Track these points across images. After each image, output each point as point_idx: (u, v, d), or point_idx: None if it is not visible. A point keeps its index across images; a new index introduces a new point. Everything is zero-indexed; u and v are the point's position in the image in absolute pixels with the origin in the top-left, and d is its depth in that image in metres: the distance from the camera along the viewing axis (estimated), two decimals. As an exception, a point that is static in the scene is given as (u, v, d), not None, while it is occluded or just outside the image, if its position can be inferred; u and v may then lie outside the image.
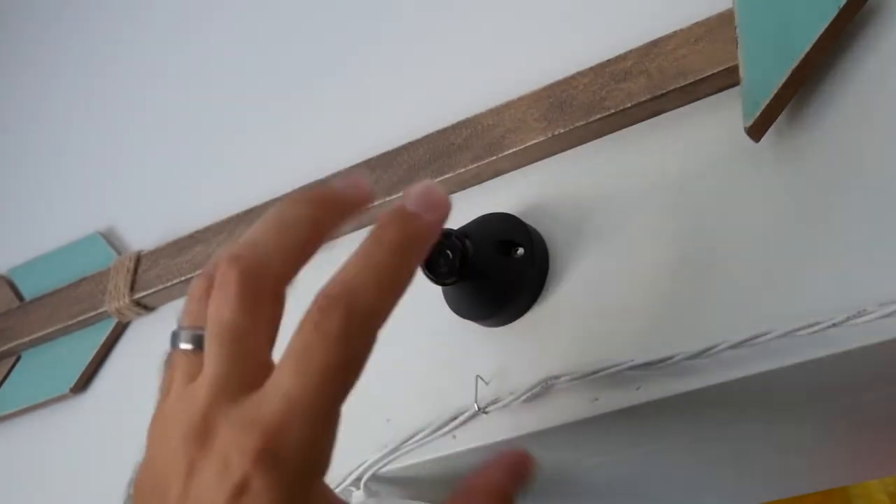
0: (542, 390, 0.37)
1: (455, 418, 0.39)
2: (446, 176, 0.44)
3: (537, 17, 0.47)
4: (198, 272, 0.51)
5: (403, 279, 0.27)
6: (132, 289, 0.54)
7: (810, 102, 0.36)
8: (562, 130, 0.41)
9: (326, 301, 0.26)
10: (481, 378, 0.39)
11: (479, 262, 0.38)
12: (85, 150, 0.68)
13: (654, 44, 0.40)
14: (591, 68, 0.41)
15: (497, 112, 0.43)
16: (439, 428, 0.39)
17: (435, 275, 0.38)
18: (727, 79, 0.38)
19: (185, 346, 0.30)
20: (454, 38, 0.50)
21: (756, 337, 0.33)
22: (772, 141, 0.36)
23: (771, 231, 0.35)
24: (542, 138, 0.41)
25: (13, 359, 0.59)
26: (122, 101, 0.68)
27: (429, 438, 0.39)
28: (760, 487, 0.48)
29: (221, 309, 0.27)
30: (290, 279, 0.28)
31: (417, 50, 0.51)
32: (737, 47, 0.37)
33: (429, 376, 0.41)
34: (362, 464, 0.40)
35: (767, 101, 0.35)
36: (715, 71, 0.38)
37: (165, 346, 0.57)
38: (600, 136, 0.41)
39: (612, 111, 0.40)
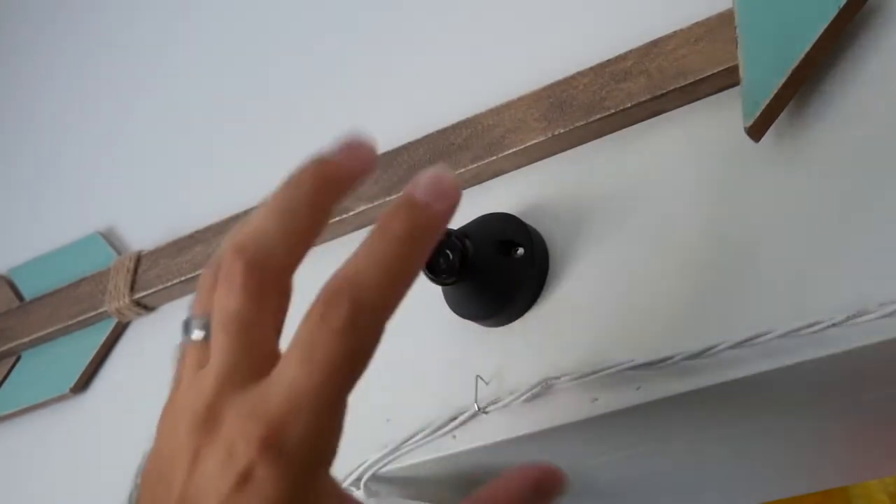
0: (542, 390, 0.37)
1: (455, 418, 0.39)
2: (446, 176, 0.44)
3: (538, 17, 0.47)
4: (198, 272, 0.51)
5: (410, 272, 0.27)
6: (132, 289, 0.54)
7: (810, 102, 0.36)
8: (562, 130, 0.41)
9: (332, 294, 0.26)
10: (481, 378, 0.39)
11: (479, 262, 0.38)
12: (85, 150, 0.68)
13: (654, 44, 0.40)
14: (591, 68, 0.41)
15: (497, 112, 0.43)
16: (439, 428, 0.39)
17: (435, 275, 0.38)
18: (727, 79, 0.38)
19: (195, 335, 0.29)
20: (454, 38, 0.50)
21: (756, 337, 0.33)
22: (772, 141, 0.36)
23: (771, 231, 0.35)
24: (542, 138, 0.41)
25: (13, 359, 0.59)
26: (122, 101, 0.68)
27: (429, 438, 0.39)
28: (760, 487, 0.48)
29: (227, 300, 0.27)
30: (295, 267, 0.28)
31: (417, 50, 0.51)
32: (737, 47, 0.37)
33: (428, 376, 0.41)
34: (362, 464, 0.40)
35: (767, 101, 0.35)
36: (715, 71, 0.38)
37: (167, 344, 0.57)
38: (600, 136, 0.41)
39: (612, 111, 0.40)
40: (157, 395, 0.53)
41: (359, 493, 0.41)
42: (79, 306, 0.56)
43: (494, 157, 0.42)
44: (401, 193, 0.27)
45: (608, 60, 0.41)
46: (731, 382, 0.33)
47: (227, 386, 0.26)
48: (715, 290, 0.35)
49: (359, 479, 0.40)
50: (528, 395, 0.37)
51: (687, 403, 0.35)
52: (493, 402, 0.38)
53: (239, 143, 0.58)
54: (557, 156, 0.42)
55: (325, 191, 0.28)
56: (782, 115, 0.36)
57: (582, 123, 0.40)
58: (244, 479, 0.25)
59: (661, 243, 0.37)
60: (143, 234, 0.58)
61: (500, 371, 0.39)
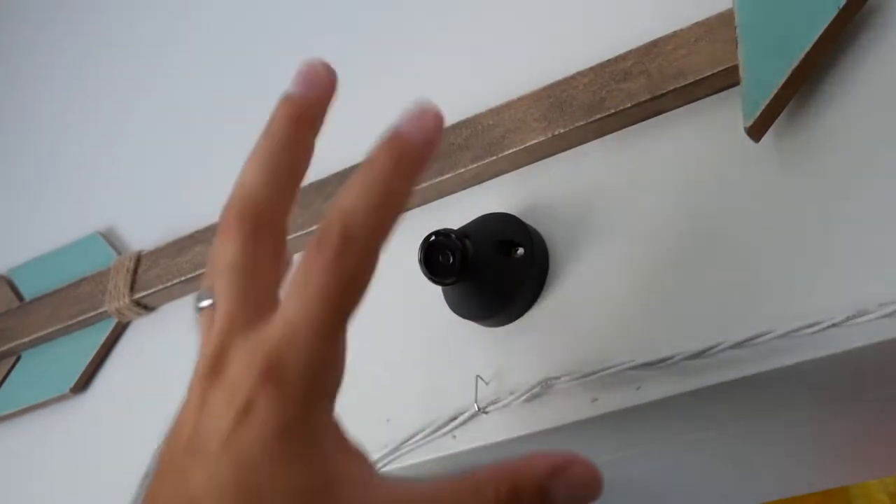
0: (542, 390, 0.37)
1: (455, 418, 0.39)
2: (446, 176, 0.44)
3: (537, 17, 0.47)
4: (198, 272, 0.51)
5: (397, 200, 0.27)
6: (132, 289, 0.54)
7: (810, 102, 0.36)
8: (562, 130, 0.41)
9: (324, 228, 0.27)
10: (481, 378, 0.39)
11: (479, 262, 0.38)
12: (85, 150, 0.68)
13: (654, 44, 0.40)
14: (591, 68, 0.41)
15: (497, 112, 0.43)
16: (439, 428, 0.39)
17: (435, 275, 0.38)
18: (727, 79, 0.38)
19: (204, 303, 0.31)
20: (454, 38, 0.50)
21: (756, 337, 0.33)
22: (772, 141, 0.36)
23: (771, 231, 0.35)
24: (542, 138, 0.41)
25: (13, 359, 0.59)
26: (122, 101, 0.68)
27: (429, 438, 0.39)
28: (760, 487, 0.48)
29: (223, 250, 0.28)
30: (286, 208, 0.29)
31: (417, 50, 0.51)
32: (737, 47, 0.37)
33: (429, 376, 0.41)
34: (362, 464, 0.40)
35: (767, 101, 0.35)
36: (715, 71, 0.38)
37: (167, 344, 0.57)
38: (600, 136, 0.41)
39: (612, 111, 0.40)
40: (157, 395, 0.53)
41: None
42: (79, 306, 0.56)
43: (494, 157, 0.42)
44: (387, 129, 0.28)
45: (608, 60, 0.41)
46: (731, 382, 0.33)
47: (232, 330, 0.27)
48: (715, 290, 0.35)
49: (359, 479, 0.40)
50: (528, 395, 0.37)
51: (687, 403, 0.35)
52: (493, 402, 0.38)
53: (239, 143, 0.57)
54: (557, 156, 0.42)
55: (298, 127, 0.29)
56: (782, 115, 0.36)
57: (582, 123, 0.40)
58: (245, 411, 0.26)
59: (661, 243, 0.37)
60: (143, 234, 0.58)
61: (500, 371, 0.39)
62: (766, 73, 0.35)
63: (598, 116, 0.40)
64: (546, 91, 0.42)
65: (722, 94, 0.38)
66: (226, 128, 0.59)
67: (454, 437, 0.39)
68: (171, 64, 0.66)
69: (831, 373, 0.33)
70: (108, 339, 0.55)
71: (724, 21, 0.38)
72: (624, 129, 0.41)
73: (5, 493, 0.57)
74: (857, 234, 0.33)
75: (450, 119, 0.45)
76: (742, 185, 0.36)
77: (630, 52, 0.40)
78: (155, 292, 0.53)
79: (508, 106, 0.43)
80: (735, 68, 0.37)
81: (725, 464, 0.43)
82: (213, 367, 0.27)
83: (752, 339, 0.33)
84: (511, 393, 0.38)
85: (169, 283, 0.52)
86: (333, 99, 0.30)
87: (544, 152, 0.42)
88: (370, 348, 0.38)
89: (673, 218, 0.37)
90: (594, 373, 0.36)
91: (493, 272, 0.39)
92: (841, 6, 0.34)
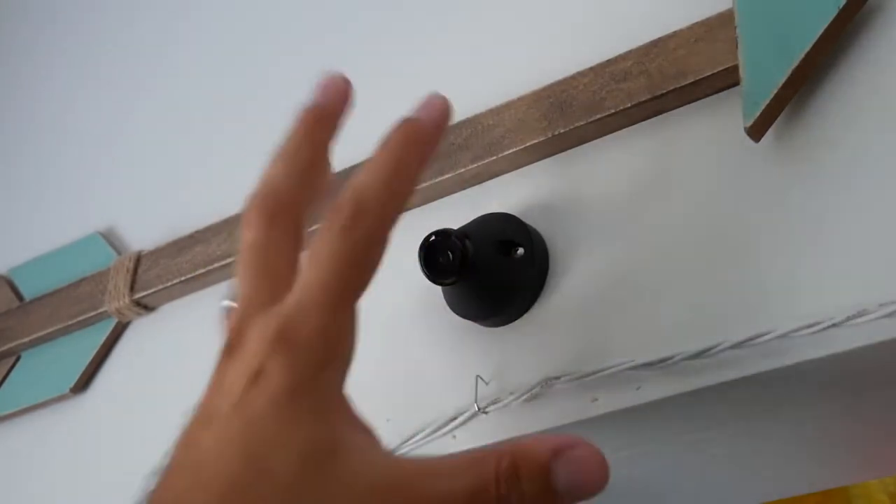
0: (542, 390, 0.37)
1: (455, 418, 0.39)
2: (446, 176, 0.44)
3: (537, 17, 0.47)
4: (198, 271, 0.51)
5: (408, 176, 0.29)
6: (132, 289, 0.54)
7: (810, 102, 0.36)
8: (562, 130, 0.41)
9: (338, 202, 0.28)
10: (481, 378, 0.39)
11: (479, 262, 0.38)
12: (85, 150, 0.68)
13: (654, 44, 0.40)
14: (591, 68, 0.41)
15: (497, 112, 0.43)
16: (439, 428, 0.39)
17: (435, 275, 0.38)
18: (727, 79, 0.38)
19: (228, 302, 0.32)
20: (454, 38, 0.50)
21: (756, 337, 0.33)
22: (772, 141, 0.36)
23: (771, 231, 0.35)
24: (542, 138, 0.41)
25: (13, 359, 0.59)
26: (122, 101, 0.68)
27: (429, 438, 0.39)
28: (760, 487, 0.48)
29: (245, 235, 0.30)
30: (304, 198, 0.31)
31: (417, 50, 0.51)
32: (737, 47, 0.37)
33: (428, 376, 0.41)
34: (362, 464, 0.40)
35: (767, 101, 0.35)
36: (715, 71, 0.38)
37: (167, 344, 0.57)
38: (600, 136, 0.41)
39: (612, 111, 0.40)
40: (157, 395, 0.53)
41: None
42: (79, 306, 0.56)
43: (494, 157, 0.42)
44: None
45: (608, 60, 0.41)
46: (731, 382, 0.33)
47: (249, 310, 0.28)
48: (715, 290, 0.35)
49: (359, 479, 0.40)
50: (528, 395, 0.37)
51: (687, 403, 0.35)
52: (493, 402, 0.38)
53: (239, 143, 0.58)
54: (557, 156, 0.42)
55: (317, 128, 0.32)
56: (782, 115, 0.36)
57: (582, 123, 0.40)
58: (257, 376, 0.26)
59: (661, 243, 0.37)
60: (143, 234, 0.58)
61: (500, 371, 0.39)
62: (766, 73, 0.35)
63: (598, 116, 0.40)
64: (546, 91, 0.42)
65: (722, 94, 0.38)
66: (226, 128, 0.59)
67: (454, 437, 0.39)
68: (171, 64, 0.66)
69: (831, 373, 0.33)
70: (108, 339, 0.55)
71: (724, 21, 0.38)
72: (624, 129, 0.41)
73: (5, 493, 0.57)
74: (857, 234, 0.33)
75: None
76: (742, 185, 0.36)
77: (630, 52, 0.40)
78: (155, 292, 0.53)
79: (508, 106, 0.43)
80: (735, 68, 0.37)
81: (725, 464, 0.43)
82: (231, 346, 0.28)
83: (752, 339, 0.33)
84: (511, 393, 0.38)
85: (169, 283, 0.52)
86: (350, 108, 0.33)
87: (544, 152, 0.42)
88: (370, 348, 0.38)
89: (673, 218, 0.37)
90: (594, 373, 0.36)
91: (493, 272, 0.39)
92: (841, 6, 0.34)
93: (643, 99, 0.39)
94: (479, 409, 0.38)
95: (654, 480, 0.45)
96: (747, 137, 0.36)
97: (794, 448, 0.42)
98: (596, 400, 0.36)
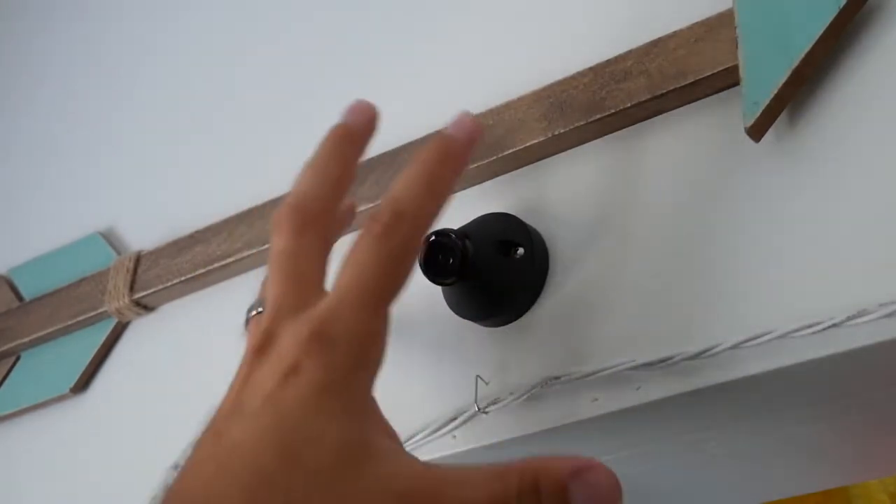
0: (542, 390, 0.37)
1: (455, 418, 0.39)
2: (446, 176, 0.44)
3: (538, 17, 0.47)
4: (198, 271, 0.51)
5: (442, 188, 0.31)
6: (132, 289, 0.54)
7: (810, 102, 0.36)
8: (562, 130, 0.41)
9: (375, 211, 0.30)
10: (481, 378, 0.39)
11: (479, 262, 0.38)
12: (85, 150, 0.68)
13: (654, 44, 0.40)
14: (591, 68, 0.41)
15: (497, 112, 0.43)
16: (439, 428, 0.39)
17: (435, 275, 0.38)
18: (727, 79, 0.38)
19: (255, 311, 0.35)
20: (454, 38, 0.50)
21: (756, 337, 0.33)
22: (772, 141, 0.36)
23: (771, 231, 0.35)
24: (542, 138, 0.41)
25: (13, 359, 0.59)
26: (122, 100, 0.68)
27: (429, 438, 0.39)
28: (760, 487, 0.48)
29: (276, 242, 0.31)
30: (333, 208, 0.33)
31: (417, 50, 0.51)
32: (737, 47, 0.37)
33: (429, 376, 0.41)
34: (362, 464, 0.40)
35: (767, 101, 0.35)
36: (715, 71, 0.37)
37: (167, 344, 0.57)
38: (600, 136, 0.41)
39: (612, 111, 0.40)
40: (157, 395, 0.53)
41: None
42: (79, 306, 0.56)
43: (494, 157, 0.42)
44: None
45: (608, 60, 0.41)
46: (731, 382, 0.33)
47: (280, 313, 0.29)
48: (715, 291, 0.35)
49: (359, 479, 0.40)
50: (528, 395, 0.37)
51: (687, 403, 0.35)
52: (493, 402, 0.38)
53: (239, 143, 0.58)
54: (557, 156, 0.42)
55: (345, 145, 0.34)
56: (782, 115, 0.36)
57: (582, 123, 0.40)
58: (292, 371, 0.27)
59: (661, 243, 0.37)
60: (143, 234, 0.58)
61: (500, 371, 0.39)
62: (766, 73, 0.35)
63: (598, 116, 0.40)
64: (546, 91, 0.42)
65: (722, 94, 0.38)
66: (226, 128, 0.59)
67: (454, 437, 0.39)
68: (171, 64, 0.66)
69: (831, 373, 0.33)
70: (107, 339, 0.55)
71: (724, 21, 0.38)
72: (624, 129, 0.41)
73: (5, 493, 0.57)
74: (858, 234, 0.33)
75: (449, 119, 0.45)
76: (742, 185, 0.36)
77: (630, 52, 0.40)
78: (155, 292, 0.53)
79: (508, 106, 0.43)
80: (735, 68, 0.37)
81: (725, 464, 0.43)
82: (261, 347, 0.29)
83: (751, 339, 0.33)
84: (511, 393, 0.38)
85: (169, 283, 0.52)
86: (375, 131, 0.35)
87: (544, 152, 0.42)
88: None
89: (673, 218, 0.37)
90: (594, 373, 0.36)
91: (493, 272, 0.39)
92: (841, 6, 0.34)
93: (643, 99, 0.39)
94: (479, 409, 0.38)
95: (654, 480, 0.45)
96: (747, 137, 0.36)
97: (794, 448, 0.42)
98: (596, 400, 0.36)
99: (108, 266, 0.56)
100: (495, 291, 0.39)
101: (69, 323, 0.56)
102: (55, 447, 0.56)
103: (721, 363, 0.34)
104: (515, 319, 0.40)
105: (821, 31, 0.34)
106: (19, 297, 0.62)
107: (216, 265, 0.51)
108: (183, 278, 0.52)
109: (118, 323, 0.55)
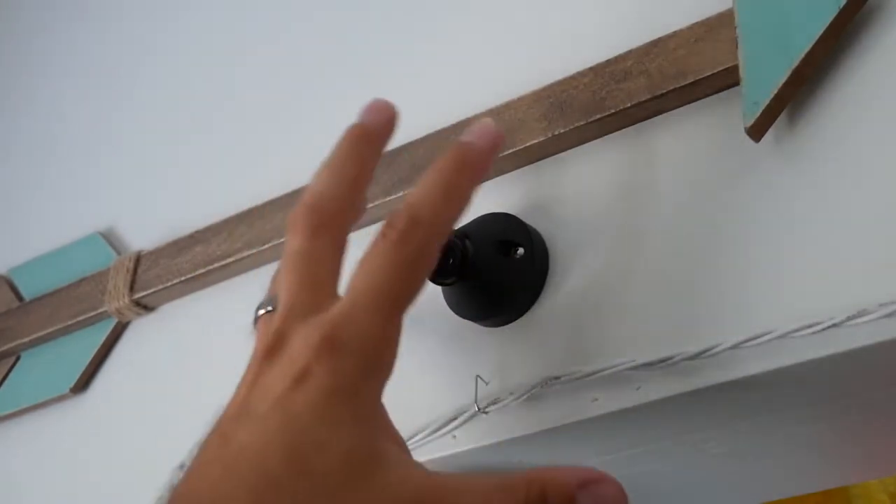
0: (542, 390, 0.37)
1: (455, 418, 0.39)
2: (446, 176, 0.44)
3: (538, 16, 0.47)
4: (198, 271, 0.51)
5: (460, 195, 0.31)
6: (132, 289, 0.54)
7: (810, 102, 0.36)
8: (562, 130, 0.41)
9: (392, 216, 0.30)
10: (481, 378, 0.39)
11: (479, 262, 0.38)
12: (85, 150, 0.68)
13: (654, 44, 0.40)
14: (591, 68, 0.41)
15: (497, 112, 0.43)
16: (439, 428, 0.39)
17: (435, 275, 0.38)
18: (727, 79, 0.38)
19: (265, 309, 0.34)
20: (454, 38, 0.50)
21: (756, 337, 0.33)
22: (772, 141, 0.36)
23: (771, 231, 0.35)
24: (542, 138, 0.41)
25: (13, 359, 0.59)
26: (122, 100, 0.68)
27: (429, 438, 0.39)
28: (760, 487, 0.48)
29: (290, 241, 0.31)
30: (348, 208, 0.32)
31: (417, 50, 0.51)
32: (737, 47, 0.37)
33: (429, 376, 0.41)
34: (362, 464, 0.40)
35: (767, 101, 0.35)
36: (715, 71, 0.37)
37: (167, 344, 0.57)
38: (600, 136, 0.41)
39: (612, 111, 0.40)
40: (157, 395, 0.53)
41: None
42: (79, 306, 0.56)
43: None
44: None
45: (608, 60, 0.41)
46: (731, 382, 0.33)
47: (291, 315, 0.29)
48: (715, 290, 0.35)
49: (359, 479, 0.40)
50: (528, 395, 0.37)
51: (687, 403, 0.35)
52: (493, 402, 0.38)
53: (239, 143, 0.58)
54: (557, 156, 0.42)
55: (362, 145, 0.33)
56: (782, 115, 0.36)
57: (582, 123, 0.40)
58: (302, 376, 0.27)
59: (661, 243, 0.37)
60: (143, 234, 0.58)
61: (500, 371, 0.39)
62: (766, 73, 0.35)
63: (598, 116, 0.40)
64: (546, 91, 0.42)
65: (722, 94, 0.38)
66: (226, 128, 0.59)
67: (454, 437, 0.39)
68: (171, 64, 0.66)
69: (831, 373, 0.33)
70: (107, 339, 0.55)
71: (724, 21, 0.38)
72: (624, 129, 0.41)
73: (5, 493, 0.57)
74: (858, 234, 0.33)
75: (450, 119, 0.45)
76: (742, 185, 0.36)
77: (630, 52, 0.40)
78: (155, 292, 0.53)
79: (508, 106, 0.43)
80: (735, 68, 0.37)
81: (725, 464, 0.43)
82: (271, 349, 0.28)
83: (751, 339, 0.33)
84: (511, 393, 0.38)
85: (169, 283, 0.52)
86: (393, 131, 0.34)
87: (544, 152, 0.42)
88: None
89: (673, 218, 0.37)
90: (594, 373, 0.36)
91: (493, 272, 0.39)
92: (841, 6, 0.34)
93: (643, 99, 0.39)
94: (479, 409, 0.38)
95: (654, 480, 0.45)
96: (747, 137, 0.36)
97: (794, 448, 0.42)
98: (596, 400, 0.36)
99: (108, 266, 0.56)
100: (495, 291, 0.39)
101: (69, 323, 0.56)
102: (55, 447, 0.56)
103: (721, 363, 0.34)
104: (515, 319, 0.40)
105: (821, 31, 0.34)
106: (19, 297, 0.62)
107: (216, 265, 0.51)
108: (183, 278, 0.52)
109: (118, 323, 0.55)
